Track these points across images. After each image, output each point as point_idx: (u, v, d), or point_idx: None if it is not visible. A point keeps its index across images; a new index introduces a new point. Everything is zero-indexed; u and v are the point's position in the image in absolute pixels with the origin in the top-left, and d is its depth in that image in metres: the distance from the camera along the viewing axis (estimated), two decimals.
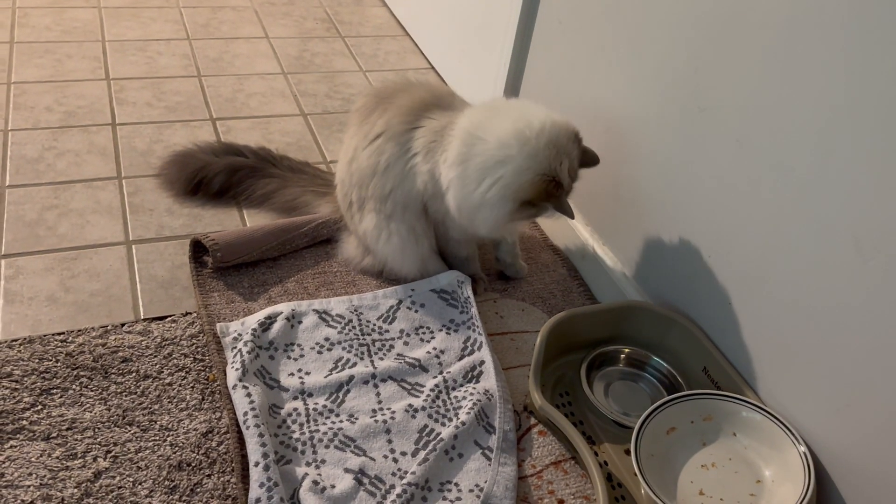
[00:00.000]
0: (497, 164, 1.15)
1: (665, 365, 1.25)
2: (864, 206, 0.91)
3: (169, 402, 1.12)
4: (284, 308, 1.27)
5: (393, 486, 1.04)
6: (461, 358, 1.25)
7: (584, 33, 1.41)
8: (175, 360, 1.19)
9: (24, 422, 1.06)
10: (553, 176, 1.15)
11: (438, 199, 1.25)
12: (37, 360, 1.14)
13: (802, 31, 0.96)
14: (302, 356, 1.22)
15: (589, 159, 1.23)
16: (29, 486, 0.98)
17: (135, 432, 1.08)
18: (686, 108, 1.18)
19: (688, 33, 1.16)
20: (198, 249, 1.39)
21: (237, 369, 1.13)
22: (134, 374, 1.16)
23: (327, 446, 1.08)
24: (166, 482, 1.02)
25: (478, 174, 1.16)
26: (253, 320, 1.24)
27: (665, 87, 1.22)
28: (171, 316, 1.27)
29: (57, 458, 1.02)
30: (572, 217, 1.18)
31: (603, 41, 1.36)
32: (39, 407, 1.08)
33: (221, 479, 1.04)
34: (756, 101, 1.05)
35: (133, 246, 1.41)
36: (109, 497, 0.99)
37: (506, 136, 1.15)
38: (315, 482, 1.01)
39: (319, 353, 1.23)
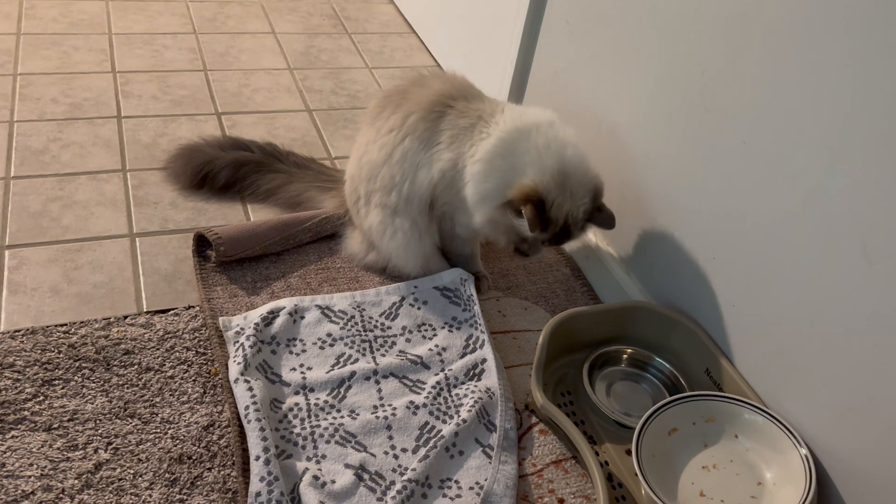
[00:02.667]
0: (513, 169, 1.18)
1: (667, 366, 1.25)
2: (872, 210, 0.90)
3: (170, 395, 1.13)
4: (287, 303, 1.27)
5: (393, 483, 1.04)
6: (463, 356, 1.25)
7: (591, 33, 1.41)
8: (177, 354, 1.19)
9: (26, 412, 1.06)
10: (544, 193, 1.15)
11: (453, 189, 1.24)
12: (39, 351, 1.15)
13: (811, 33, 0.96)
14: (304, 351, 1.22)
15: (602, 220, 1.23)
16: (30, 477, 0.98)
17: (136, 424, 1.08)
18: (693, 110, 1.18)
19: (695, 34, 1.16)
20: (201, 243, 1.39)
21: (239, 363, 1.13)
22: (136, 367, 1.16)
23: (328, 441, 1.08)
24: (167, 475, 1.02)
25: (497, 172, 1.18)
26: (255, 315, 1.24)
27: (672, 89, 1.22)
28: (173, 309, 1.27)
29: (58, 449, 1.02)
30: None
31: (610, 41, 1.36)
32: (41, 398, 1.08)
33: (222, 472, 1.04)
34: (763, 103, 1.04)
35: (137, 239, 1.41)
36: (110, 489, 0.99)
37: (542, 148, 1.17)
38: (315, 477, 1.01)
39: (321, 348, 1.23)
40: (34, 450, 1.02)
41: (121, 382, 1.13)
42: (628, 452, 1.13)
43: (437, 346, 1.25)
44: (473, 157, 1.20)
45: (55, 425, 1.05)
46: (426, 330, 1.29)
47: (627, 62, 1.32)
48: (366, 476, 1.04)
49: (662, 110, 1.25)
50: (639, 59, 1.29)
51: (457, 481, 1.06)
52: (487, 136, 1.20)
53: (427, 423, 1.13)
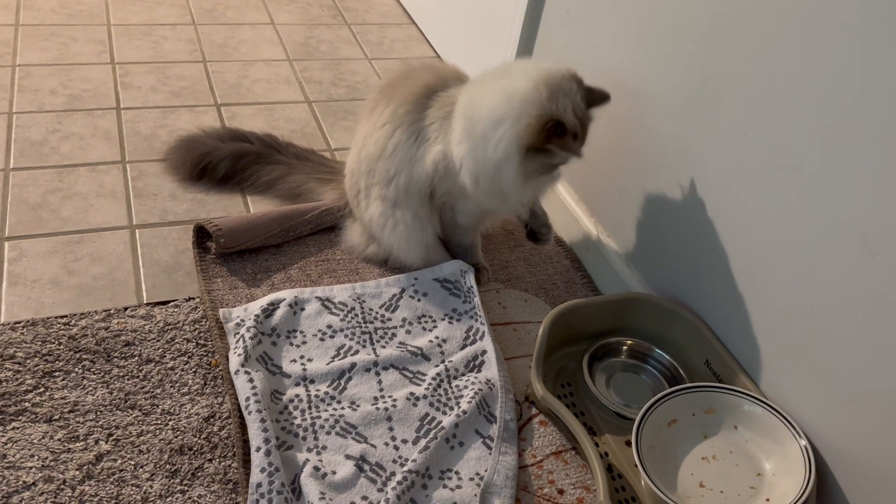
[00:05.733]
0: (496, 126, 1.14)
1: (667, 357, 1.25)
2: (871, 201, 0.90)
3: (171, 387, 1.13)
4: (287, 295, 1.27)
5: (393, 474, 1.04)
6: (463, 347, 1.25)
7: (590, 23, 1.41)
8: (177, 345, 1.19)
9: (27, 404, 1.06)
10: (551, 115, 1.13)
11: (449, 179, 1.24)
12: (40, 343, 1.15)
13: (811, 24, 0.95)
14: (304, 343, 1.22)
15: (597, 97, 1.19)
16: (31, 468, 0.99)
17: (137, 416, 1.08)
18: (693, 100, 1.18)
19: (696, 25, 1.15)
20: (201, 235, 1.39)
21: (239, 355, 1.13)
22: (136, 358, 1.16)
23: (328, 433, 1.08)
24: (168, 466, 1.02)
25: (482, 143, 1.16)
26: (256, 306, 1.24)
27: (672, 79, 1.22)
28: (173, 301, 1.27)
29: (59, 440, 1.03)
30: (580, 155, 1.16)
31: (610, 32, 1.35)
32: (42, 389, 1.09)
33: (223, 463, 1.04)
34: (764, 93, 1.04)
35: (137, 230, 1.41)
36: (111, 480, 0.99)
37: (494, 99, 1.15)
38: (316, 468, 1.01)
39: (322, 340, 1.23)
40: (35, 441, 1.02)
41: (121, 374, 1.13)
42: (628, 443, 1.13)
43: (437, 337, 1.26)
44: (455, 141, 1.20)
45: (56, 417, 1.06)
46: (426, 322, 1.29)
47: (627, 53, 1.32)
48: (366, 467, 1.04)
49: (662, 101, 1.24)
50: (639, 49, 1.29)
51: (457, 472, 1.06)
52: (456, 116, 1.20)
53: (427, 414, 1.13)
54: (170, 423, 1.08)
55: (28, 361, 1.12)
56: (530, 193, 1.26)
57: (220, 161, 1.50)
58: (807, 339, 1.02)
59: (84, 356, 1.14)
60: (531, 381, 1.16)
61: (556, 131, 1.13)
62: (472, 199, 1.25)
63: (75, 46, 1.92)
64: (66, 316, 1.20)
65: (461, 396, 1.16)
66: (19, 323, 1.17)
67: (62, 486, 0.97)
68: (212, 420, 1.09)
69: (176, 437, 1.06)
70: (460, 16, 2.01)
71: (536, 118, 1.12)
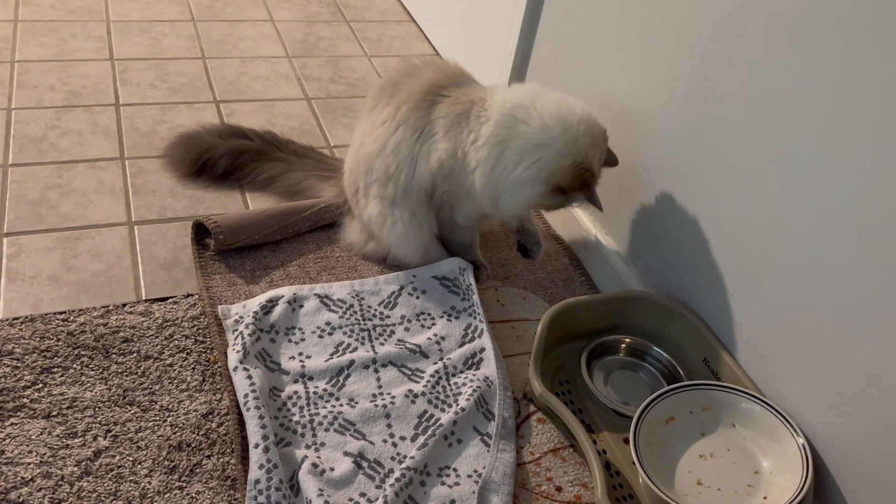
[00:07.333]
0: (537, 147, 1.16)
1: (665, 355, 1.25)
2: (869, 200, 0.90)
3: (169, 383, 1.13)
4: (286, 291, 1.27)
5: (392, 471, 1.04)
6: (462, 345, 1.25)
7: (590, 21, 1.41)
8: (176, 342, 1.19)
9: (25, 400, 1.06)
10: (589, 165, 1.17)
11: (453, 178, 1.24)
12: (38, 339, 1.15)
13: (810, 21, 0.95)
14: (303, 340, 1.22)
15: (610, 159, 1.25)
16: (29, 464, 0.99)
17: (135, 412, 1.08)
18: (692, 98, 1.18)
19: (694, 23, 1.15)
20: (200, 231, 1.39)
21: (238, 351, 1.13)
22: (135, 355, 1.16)
23: (327, 430, 1.08)
24: (166, 462, 1.02)
25: (516, 156, 1.17)
26: (254, 303, 1.24)
27: (671, 77, 1.22)
28: (172, 297, 1.27)
29: (57, 436, 1.03)
30: (602, 209, 1.21)
31: (609, 29, 1.35)
32: (40, 385, 1.09)
33: (221, 460, 1.04)
34: (762, 91, 1.04)
35: (135, 227, 1.41)
36: (109, 476, 1.00)
37: (549, 120, 1.16)
38: (314, 465, 1.01)
39: (320, 337, 1.23)
40: (33, 437, 1.02)
41: (120, 370, 1.13)
42: (626, 441, 1.13)
43: (435, 335, 1.26)
44: (476, 142, 1.19)
45: (54, 413, 1.06)
46: (425, 319, 1.29)
47: (627, 50, 1.32)
48: (364, 464, 1.04)
49: (662, 99, 1.25)
50: (638, 47, 1.29)
51: (455, 469, 1.06)
52: (487, 121, 1.19)
53: (426, 411, 1.13)
54: (168, 419, 1.08)
55: (26, 357, 1.12)
56: (526, 213, 1.27)
57: (220, 158, 1.50)
58: (804, 337, 1.02)
59: (82, 352, 1.14)
60: (529, 379, 1.17)
61: (590, 180, 1.17)
62: (474, 200, 1.25)
63: (74, 42, 1.92)
64: (65, 312, 1.20)
65: (459, 394, 1.16)
66: (18, 319, 1.17)
67: (60, 482, 0.97)
68: (210, 417, 1.09)
69: (174, 433, 1.06)
70: (460, 13, 2.01)
71: (579, 164, 1.16)
